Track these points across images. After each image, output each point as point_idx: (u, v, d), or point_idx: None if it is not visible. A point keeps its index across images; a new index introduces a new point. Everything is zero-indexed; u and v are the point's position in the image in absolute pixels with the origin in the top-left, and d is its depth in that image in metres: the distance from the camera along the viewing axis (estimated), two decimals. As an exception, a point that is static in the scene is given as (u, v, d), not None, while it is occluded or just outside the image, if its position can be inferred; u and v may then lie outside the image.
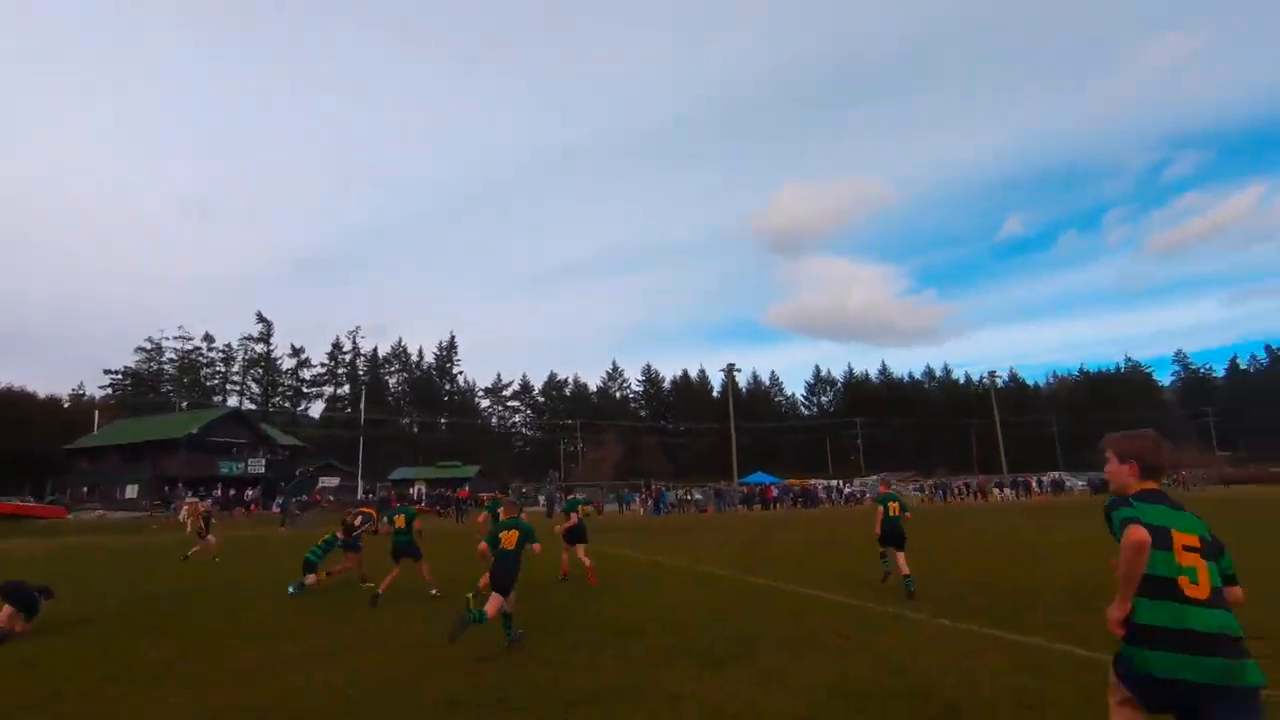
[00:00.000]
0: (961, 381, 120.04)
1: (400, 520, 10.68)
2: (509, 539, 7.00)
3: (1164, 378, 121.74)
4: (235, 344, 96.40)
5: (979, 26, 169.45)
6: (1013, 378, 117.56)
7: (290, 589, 10.97)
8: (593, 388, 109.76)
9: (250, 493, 39.52)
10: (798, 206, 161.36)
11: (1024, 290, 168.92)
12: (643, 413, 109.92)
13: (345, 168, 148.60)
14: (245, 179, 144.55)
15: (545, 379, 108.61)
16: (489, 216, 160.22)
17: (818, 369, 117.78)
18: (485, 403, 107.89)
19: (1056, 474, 58.52)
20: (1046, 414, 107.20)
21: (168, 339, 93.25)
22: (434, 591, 10.30)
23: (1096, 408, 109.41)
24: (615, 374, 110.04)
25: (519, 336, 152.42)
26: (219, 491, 39.14)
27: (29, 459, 46.44)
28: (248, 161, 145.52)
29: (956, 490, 47.97)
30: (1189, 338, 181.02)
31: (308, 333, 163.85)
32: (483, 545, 7.23)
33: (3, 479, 47.35)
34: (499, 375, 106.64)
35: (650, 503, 40.23)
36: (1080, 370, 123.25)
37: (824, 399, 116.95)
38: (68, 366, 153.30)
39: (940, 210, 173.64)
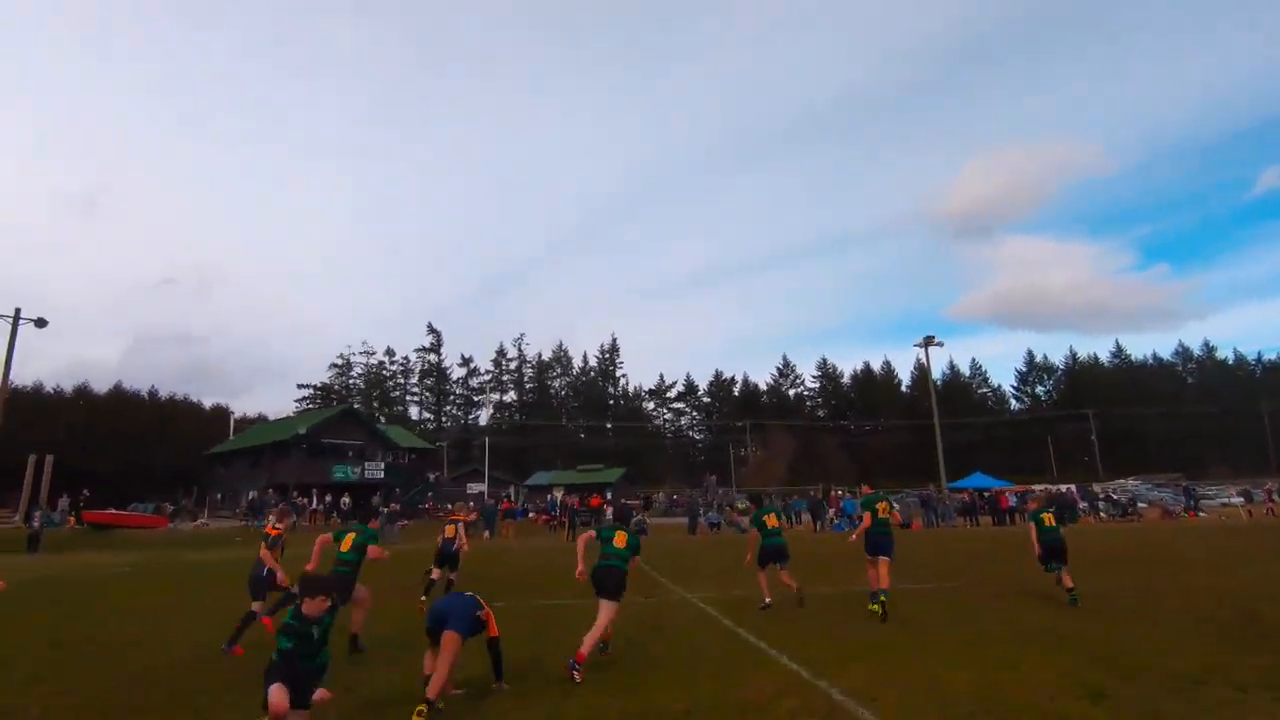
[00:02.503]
0: (1230, 362, 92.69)
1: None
2: None
3: None
4: (412, 356, 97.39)
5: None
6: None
7: None
8: (763, 386, 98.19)
9: (346, 500, 33.56)
10: (985, 184, 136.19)
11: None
12: (820, 411, 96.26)
13: (502, 176, 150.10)
14: (410, 194, 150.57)
15: (710, 378, 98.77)
16: (648, 216, 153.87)
17: (1030, 354, 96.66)
18: (650, 405, 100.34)
19: None
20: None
21: (355, 354, 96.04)
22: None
23: None
24: (787, 370, 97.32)
25: (682, 338, 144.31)
26: (309, 500, 33.47)
27: (181, 465, 45.58)
28: (408, 177, 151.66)
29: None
30: None
31: (475, 342, 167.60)
32: None
33: (163, 485, 46.38)
34: (661, 376, 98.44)
35: (831, 514, 28.51)
36: None
37: (1039, 389, 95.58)
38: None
39: (1168, 171, 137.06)
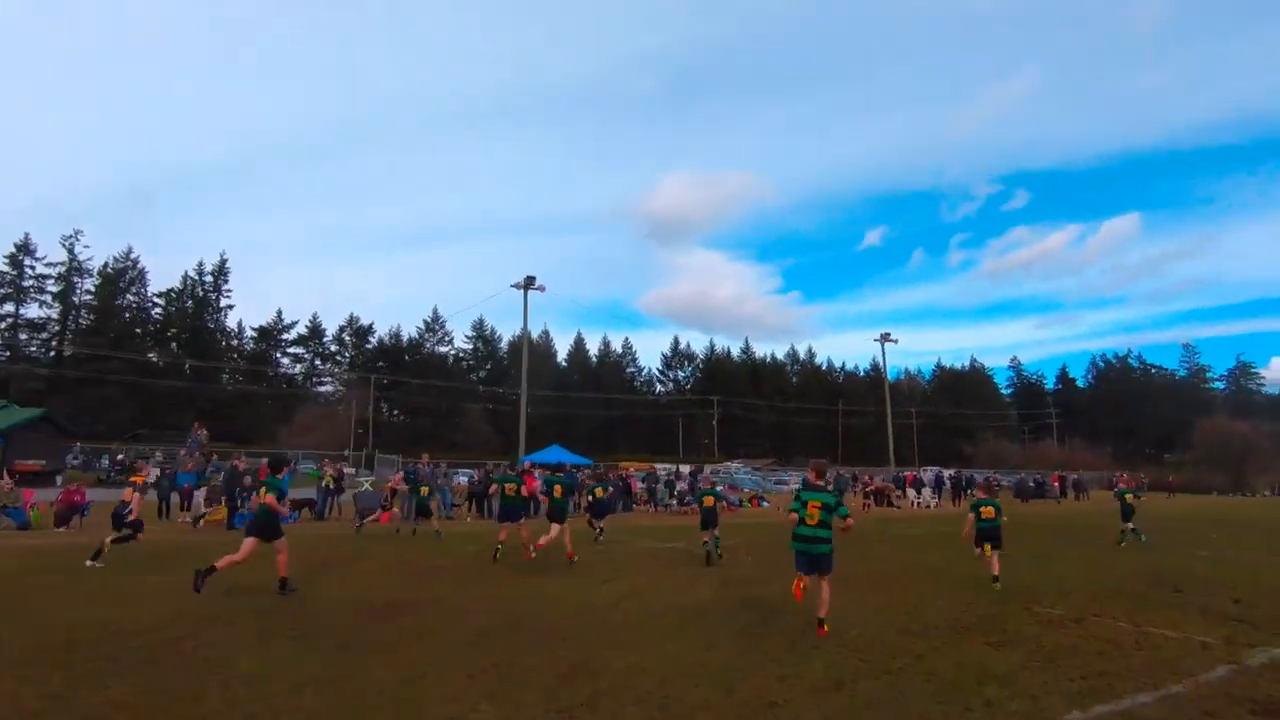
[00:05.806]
0: (824, 368, 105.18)
1: None
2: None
3: (1002, 382, 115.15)
4: None
5: (862, 41, 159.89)
6: (874, 367, 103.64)
7: None
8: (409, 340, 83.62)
9: None
10: (682, 195, 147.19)
11: (881, 299, 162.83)
12: (473, 376, 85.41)
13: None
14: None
15: (343, 322, 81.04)
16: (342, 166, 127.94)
17: (676, 340, 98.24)
18: (264, 347, 78.63)
19: (965, 471, 41.03)
20: (907, 407, 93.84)
21: None
22: None
23: (948, 403, 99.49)
24: (435, 324, 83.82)
25: (365, 301, 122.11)
26: None
27: None
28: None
29: (863, 490, 28.69)
30: (1013, 353, 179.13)
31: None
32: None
33: None
34: (280, 313, 76.89)
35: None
36: (937, 366, 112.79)
37: (680, 375, 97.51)
38: None
39: (813, 214, 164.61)
